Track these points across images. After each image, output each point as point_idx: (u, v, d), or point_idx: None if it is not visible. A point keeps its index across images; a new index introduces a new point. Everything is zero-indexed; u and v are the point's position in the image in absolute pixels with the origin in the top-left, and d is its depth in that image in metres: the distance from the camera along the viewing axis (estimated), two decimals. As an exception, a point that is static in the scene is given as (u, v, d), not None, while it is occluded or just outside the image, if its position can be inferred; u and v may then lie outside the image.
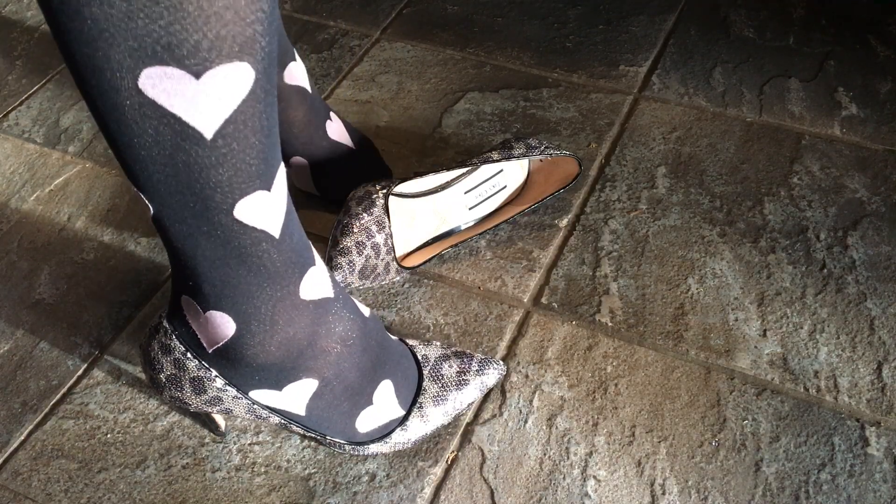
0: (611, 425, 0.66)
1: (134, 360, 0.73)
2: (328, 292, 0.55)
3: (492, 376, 0.66)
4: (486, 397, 0.68)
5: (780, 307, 0.73)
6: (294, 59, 0.78)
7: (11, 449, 0.67)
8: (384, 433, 0.63)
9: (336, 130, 0.81)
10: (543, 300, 0.75)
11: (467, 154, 0.88)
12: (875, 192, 0.82)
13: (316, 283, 0.54)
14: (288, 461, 0.65)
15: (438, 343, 0.68)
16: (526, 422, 0.67)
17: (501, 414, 0.67)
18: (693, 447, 0.64)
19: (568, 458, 0.64)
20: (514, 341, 0.72)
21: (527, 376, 0.69)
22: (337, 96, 0.97)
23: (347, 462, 0.65)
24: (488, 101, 0.94)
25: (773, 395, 0.67)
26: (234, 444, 0.66)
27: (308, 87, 0.79)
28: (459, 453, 0.65)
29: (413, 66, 1.00)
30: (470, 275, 0.77)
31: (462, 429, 0.66)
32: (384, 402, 0.61)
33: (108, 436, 0.68)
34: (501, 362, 0.68)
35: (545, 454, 0.65)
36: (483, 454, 0.65)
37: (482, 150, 0.88)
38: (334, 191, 0.81)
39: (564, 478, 0.63)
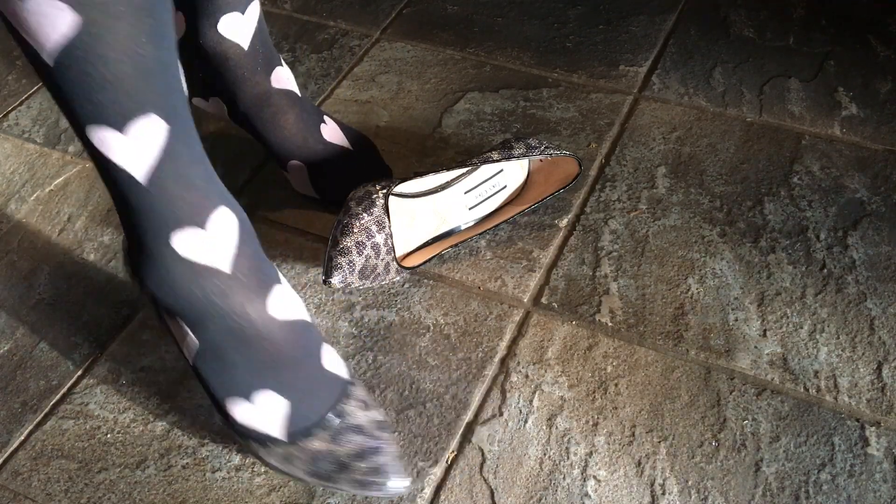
0: (611, 425, 0.66)
1: (134, 359, 0.73)
2: (221, 265, 0.56)
3: (374, 488, 0.59)
4: (486, 397, 0.68)
5: (780, 307, 0.73)
6: (280, 64, 0.79)
7: (11, 449, 0.67)
8: (255, 438, 0.60)
9: (331, 132, 0.81)
10: (543, 300, 0.75)
11: (467, 154, 0.88)
12: (875, 192, 0.82)
13: (198, 245, 0.55)
14: (288, 461, 0.65)
15: (375, 416, 0.62)
16: (526, 422, 0.67)
17: (501, 414, 0.67)
18: (693, 447, 0.64)
19: (568, 458, 0.64)
20: (514, 341, 0.72)
21: (527, 376, 0.69)
22: (337, 96, 0.97)
23: (347, 462, 0.65)
24: (488, 101, 0.94)
25: (773, 395, 0.67)
26: (235, 443, 0.66)
27: (296, 90, 0.80)
28: (459, 453, 0.65)
29: (413, 66, 1.00)
30: (470, 275, 0.77)
31: (462, 429, 0.66)
32: (266, 413, 0.59)
33: (108, 436, 0.68)
34: (403, 483, 0.60)
35: (545, 454, 0.65)
36: (483, 454, 0.65)
37: (482, 150, 0.88)
38: (332, 192, 0.81)
39: (564, 478, 0.63)
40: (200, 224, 0.55)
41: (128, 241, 0.58)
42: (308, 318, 0.61)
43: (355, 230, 0.69)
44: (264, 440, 0.60)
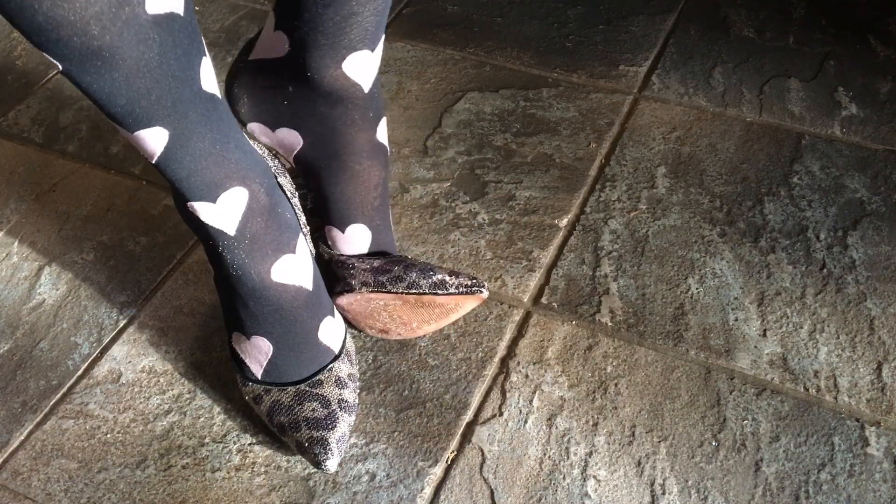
0: (611, 425, 0.66)
1: (134, 360, 0.73)
2: (227, 229, 0.59)
3: (309, 456, 0.62)
4: (486, 397, 0.68)
5: (780, 307, 0.73)
6: (384, 114, 0.68)
7: (11, 449, 0.67)
8: (241, 370, 0.66)
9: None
10: (543, 300, 0.75)
11: (467, 154, 0.88)
12: (875, 192, 0.82)
13: (208, 214, 0.59)
14: (288, 461, 0.65)
15: (345, 396, 0.65)
16: (526, 422, 0.67)
17: (501, 414, 0.67)
18: (693, 447, 0.64)
19: (568, 458, 0.64)
20: (514, 341, 0.72)
21: (527, 376, 0.69)
22: (337, 96, 0.97)
23: (347, 462, 0.65)
24: (488, 101, 0.94)
25: (773, 395, 0.67)
26: (234, 444, 0.66)
27: (388, 148, 0.70)
28: (459, 453, 0.65)
29: (413, 66, 1.00)
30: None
31: (462, 429, 0.66)
32: (254, 351, 0.65)
33: (108, 436, 0.68)
34: (332, 463, 0.61)
35: (545, 454, 0.65)
36: (483, 454, 0.65)
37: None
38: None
39: (564, 478, 0.63)
40: (212, 199, 0.59)
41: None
42: (310, 288, 0.64)
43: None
44: (246, 374, 0.66)
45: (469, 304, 0.68)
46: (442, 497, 0.63)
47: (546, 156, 0.88)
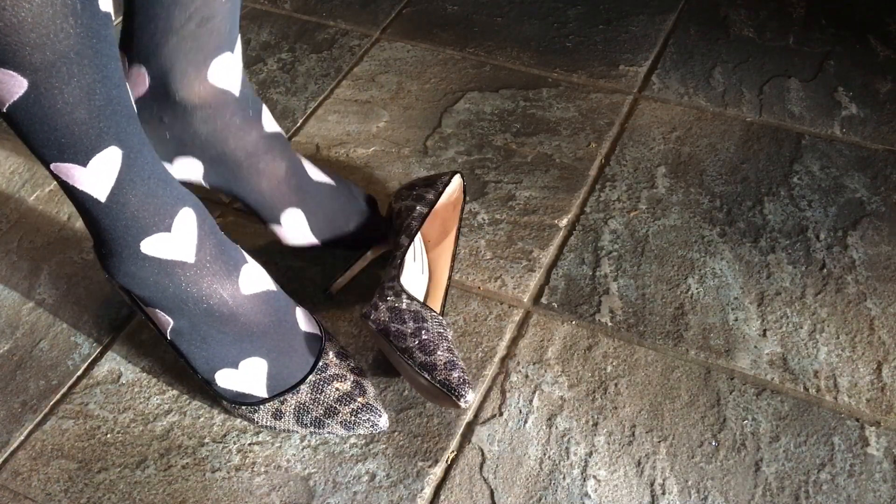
0: (611, 425, 0.66)
1: (134, 360, 0.73)
2: (185, 257, 0.59)
3: (364, 426, 0.64)
4: (486, 397, 0.68)
5: (780, 307, 0.73)
6: (262, 104, 0.71)
7: (11, 449, 0.67)
8: (238, 400, 0.65)
9: (313, 170, 0.74)
10: (543, 300, 0.75)
11: (467, 154, 0.88)
12: (875, 192, 0.82)
13: (164, 245, 0.58)
14: (288, 461, 0.65)
15: (353, 364, 0.67)
16: (526, 422, 0.67)
17: (501, 414, 0.67)
18: (693, 447, 0.64)
19: (568, 458, 0.64)
20: (514, 341, 0.72)
21: (527, 376, 0.69)
22: (337, 96, 0.97)
23: (347, 462, 0.65)
24: (488, 101, 0.94)
25: (773, 395, 0.67)
26: (234, 444, 0.66)
27: (281, 130, 0.72)
28: (459, 453, 0.65)
29: (413, 66, 1.00)
30: (470, 275, 0.77)
31: (462, 429, 0.66)
32: (250, 376, 0.64)
33: (108, 436, 0.68)
34: (385, 419, 0.64)
35: (545, 454, 0.65)
36: (483, 454, 0.65)
37: (397, 221, 0.74)
38: (330, 234, 0.75)
39: (564, 478, 0.63)
40: (167, 228, 0.58)
41: (95, 242, 0.60)
42: (274, 288, 0.65)
43: (437, 341, 0.65)
44: (251, 401, 0.65)
45: (436, 403, 0.66)
46: (442, 497, 0.63)
47: (546, 156, 0.88)
